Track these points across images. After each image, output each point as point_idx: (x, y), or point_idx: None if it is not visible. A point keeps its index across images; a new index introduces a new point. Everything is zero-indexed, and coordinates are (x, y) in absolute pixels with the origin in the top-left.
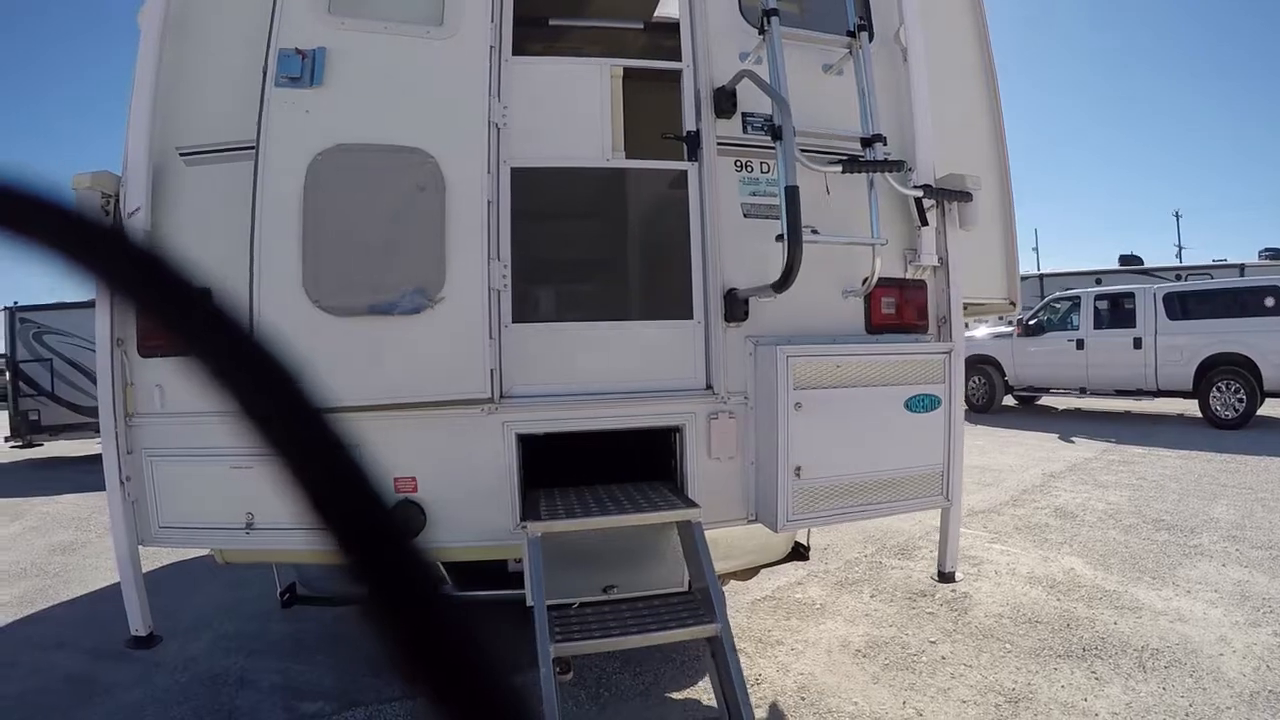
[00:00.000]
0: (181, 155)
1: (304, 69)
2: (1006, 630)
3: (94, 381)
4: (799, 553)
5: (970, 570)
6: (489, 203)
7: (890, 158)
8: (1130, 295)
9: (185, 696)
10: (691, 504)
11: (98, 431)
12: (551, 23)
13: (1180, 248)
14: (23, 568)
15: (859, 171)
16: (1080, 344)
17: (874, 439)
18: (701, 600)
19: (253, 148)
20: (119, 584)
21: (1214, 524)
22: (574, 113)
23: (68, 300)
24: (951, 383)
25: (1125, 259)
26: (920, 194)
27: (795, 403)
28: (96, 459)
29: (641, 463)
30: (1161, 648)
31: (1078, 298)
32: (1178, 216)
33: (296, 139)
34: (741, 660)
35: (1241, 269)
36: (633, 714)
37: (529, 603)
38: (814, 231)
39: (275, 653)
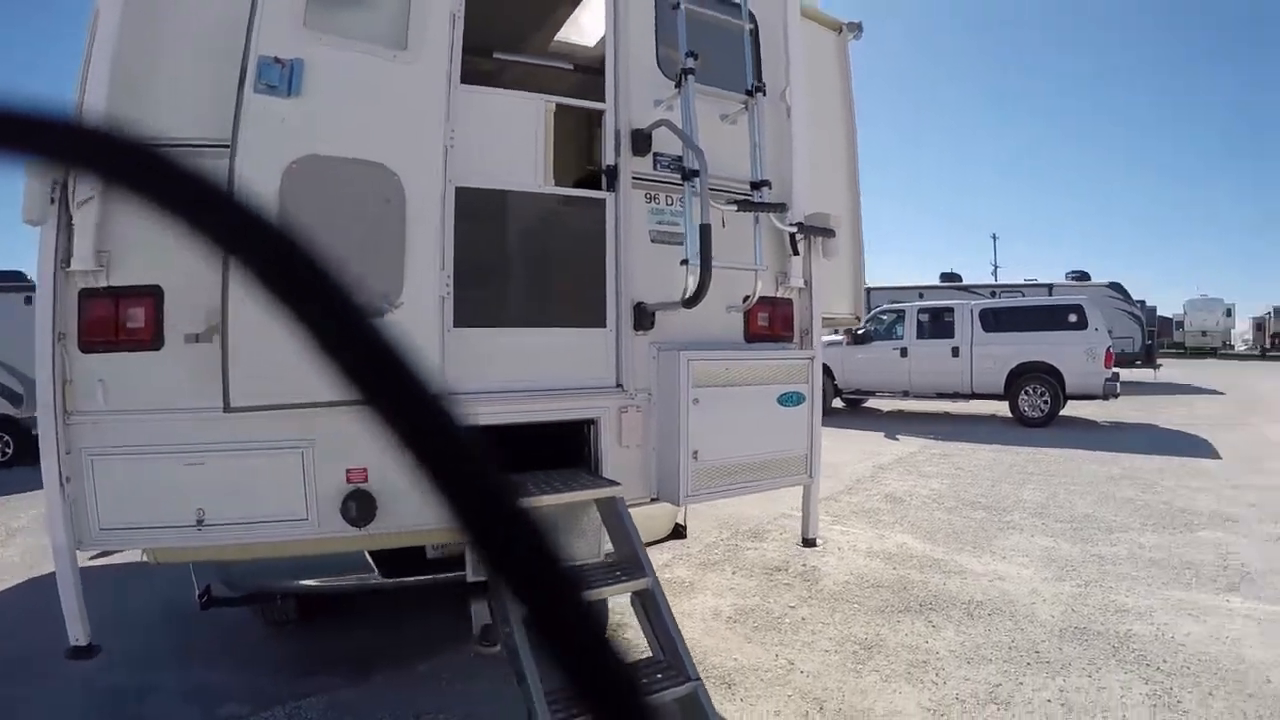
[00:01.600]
0: None
1: (282, 78)
2: (853, 594)
3: None
4: (678, 532)
5: (817, 548)
6: (439, 218)
7: (774, 200)
8: (950, 309)
9: (87, 711)
10: (614, 483)
11: None
12: (495, 55)
13: (996, 266)
14: None
15: (751, 211)
16: (904, 352)
17: (754, 428)
18: (629, 562)
19: (212, 146)
20: None
21: (1023, 504)
22: (513, 141)
23: None
24: (813, 383)
25: (946, 276)
26: (795, 230)
27: (694, 398)
28: None
29: (555, 453)
30: (985, 600)
31: (902, 310)
32: (995, 238)
33: (273, 146)
34: (628, 632)
35: (1050, 289)
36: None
37: (469, 579)
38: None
39: (177, 662)
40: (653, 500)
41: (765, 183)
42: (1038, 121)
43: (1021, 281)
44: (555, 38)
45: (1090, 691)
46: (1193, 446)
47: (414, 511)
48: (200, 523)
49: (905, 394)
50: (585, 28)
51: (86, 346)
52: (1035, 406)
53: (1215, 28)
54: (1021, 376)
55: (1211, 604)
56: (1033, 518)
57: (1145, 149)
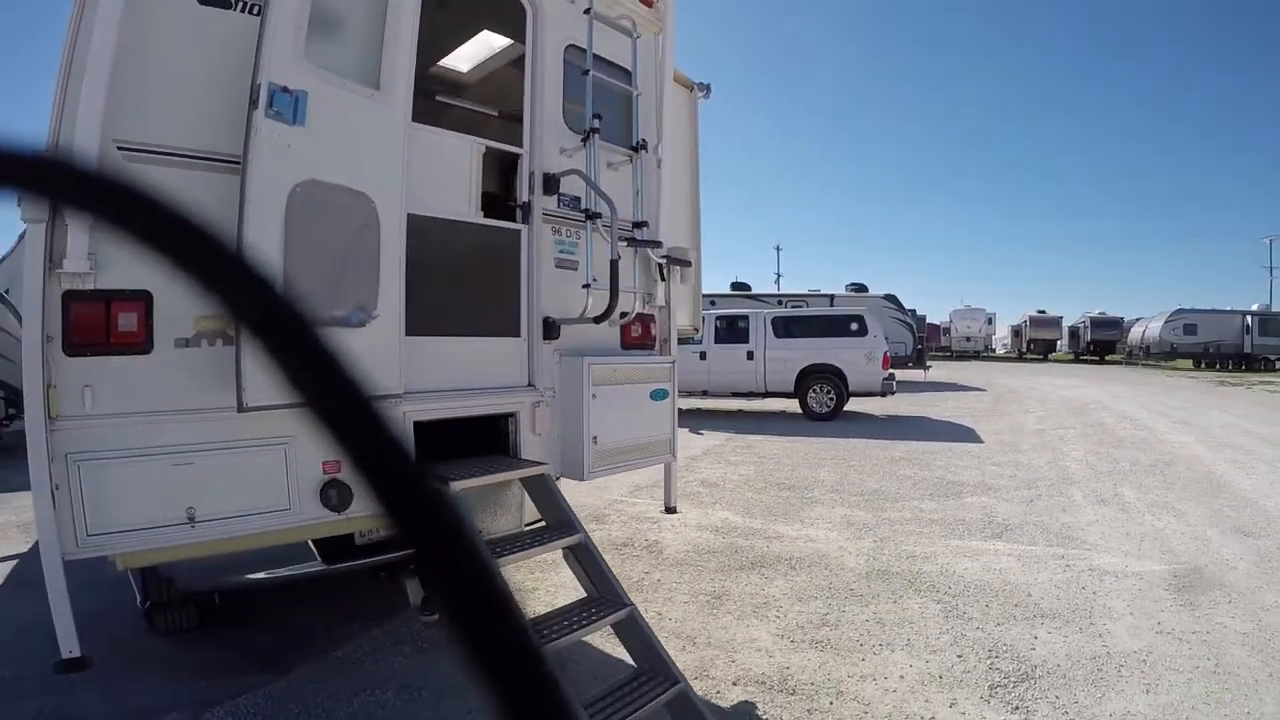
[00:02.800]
0: (120, 150)
1: (288, 107)
2: (694, 560)
3: None
4: None
5: (653, 526)
6: (398, 240)
7: (651, 238)
8: (745, 317)
9: None
10: (542, 463)
11: None
12: (438, 98)
13: (779, 275)
14: None
15: (635, 246)
16: (703, 355)
17: (634, 418)
18: (562, 524)
19: (201, 159)
20: None
21: (821, 483)
22: (450, 175)
23: None
24: (674, 381)
25: (736, 285)
26: (663, 261)
27: (593, 394)
28: None
29: (474, 442)
30: (802, 556)
31: (701, 317)
32: (778, 249)
33: (280, 169)
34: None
35: (832, 299)
36: None
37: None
38: (595, 280)
39: (96, 680)
40: (558, 478)
41: (644, 223)
42: (818, 138)
43: (805, 291)
44: (480, 84)
45: (897, 612)
46: (960, 433)
47: None
48: (192, 520)
49: (704, 393)
50: (504, 77)
51: (72, 350)
52: (822, 403)
53: (986, 45)
54: (809, 377)
55: (981, 548)
56: (831, 493)
57: (914, 169)
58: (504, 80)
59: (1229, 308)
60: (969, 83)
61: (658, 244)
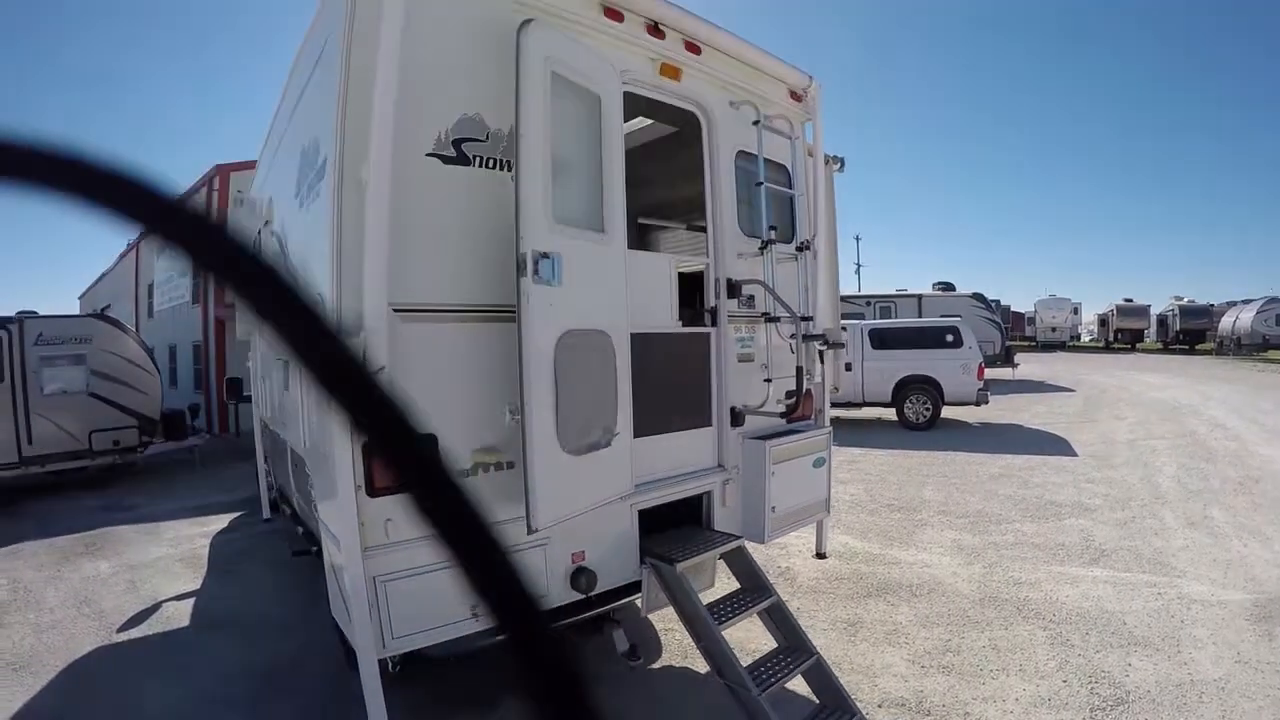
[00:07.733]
0: (396, 311)
1: (546, 270)
2: (825, 587)
3: None
4: None
5: (781, 553)
6: (627, 360)
7: (816, 332)
8: (843, 329)
9: None
10: (739, 536)
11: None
12: (640, 221)
13: (859, 266)
14: None
15: (809, 341)
16: None
17: (801, 485)
18: (757, 589)
19: (459, 311)
20: None
21: (928, 504)
22: (654, 291)
23: None
24: (829, 449)
25: None
26: (824, 346)
27: (772, 471)
28: None
29: (673, 515)
30: (920, 583)
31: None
32: (858, 240)
33: (547, 325)
34: (674, 637)
35: (919, 300)
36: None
37: (644, 611)
38: (770, 374)
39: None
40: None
41: (810, 317)
42: (899, 128)
43: (893, 292)
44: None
45: (1009, 638)
46: (1054, 445)
47: (613, 574)
48: (475, 614)
49: None
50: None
51: (374, 493)
52: (918, 413)
53: (1066, 28)
54: (906, 387)
55: (1080, 574)
56: (938, 515)
57: (998, 160)
58: (677, 187)
59: None
60: (1054, 71)
61: (822, 336)
